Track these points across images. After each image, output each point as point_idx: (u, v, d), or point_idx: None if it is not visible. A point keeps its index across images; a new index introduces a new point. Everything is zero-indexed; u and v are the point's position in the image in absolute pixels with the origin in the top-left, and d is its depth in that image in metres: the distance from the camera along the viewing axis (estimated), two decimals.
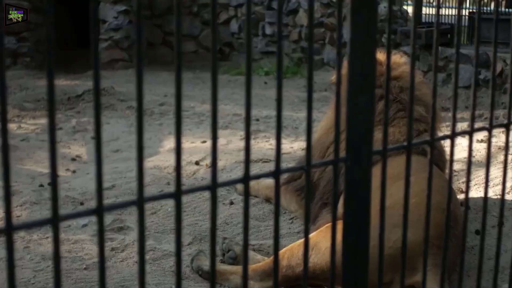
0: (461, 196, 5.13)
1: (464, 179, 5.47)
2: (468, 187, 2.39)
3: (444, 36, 9.91)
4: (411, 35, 2.04)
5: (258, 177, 1.90)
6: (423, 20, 10.64)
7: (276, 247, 1.83)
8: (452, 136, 2.27)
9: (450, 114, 7.97)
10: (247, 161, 1.73)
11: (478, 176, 5.48)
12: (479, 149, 6.24)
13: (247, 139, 1.74)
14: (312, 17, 1.83)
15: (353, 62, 1.88)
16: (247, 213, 1.75)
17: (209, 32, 13.39)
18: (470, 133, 2.31)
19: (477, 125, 2.38)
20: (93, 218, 4.84)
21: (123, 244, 4.38)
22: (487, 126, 2.36)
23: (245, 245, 1.76)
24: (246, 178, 1.74)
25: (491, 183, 5.26)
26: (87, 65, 12.41)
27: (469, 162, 2.33)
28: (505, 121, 2.45)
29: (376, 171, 4.30)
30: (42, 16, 12.79)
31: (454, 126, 2.28)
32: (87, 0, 12.96)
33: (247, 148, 1.74)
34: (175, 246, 1.61)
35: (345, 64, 1.93)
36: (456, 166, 5.79)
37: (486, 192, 2.45)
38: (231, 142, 7.09)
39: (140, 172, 1.50)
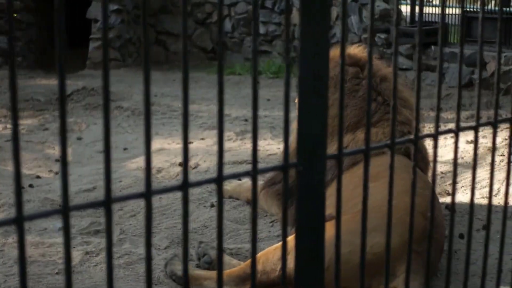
0: (447, 199, 5.03)
1: (450, 181, 5.37)
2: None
3: (436, 35, 9.80)
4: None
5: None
6: (416, 19, 10.52)
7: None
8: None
9: (442, 114, 7.83)
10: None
11: (465, 178, 5.39)
12: (468, 150, 6.15)
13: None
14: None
15: (303, 62, 1.78)
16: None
17: (202, 31, 13.33)
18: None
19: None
20: (71, 221, 4.77)
21: (98, 248, 4.27)
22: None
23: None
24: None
25: (478, 185, 5.17)
26: (79, 64, 12.32)
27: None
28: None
29: (357, 171, 4.17)
30: (33, 16, 12.69)
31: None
32: (80, 0, 12.92)
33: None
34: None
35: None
36: (444, 168, 5.69)
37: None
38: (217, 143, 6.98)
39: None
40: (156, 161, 6.17)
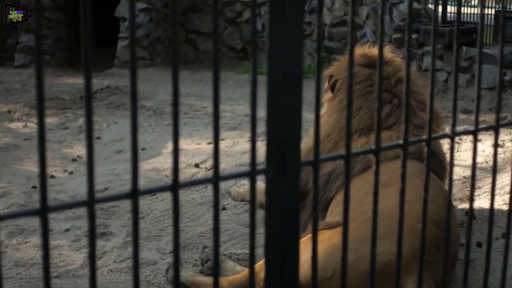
0: (468, 205, 4.83)
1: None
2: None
3: (469, 36, 9.54)
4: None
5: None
6: (448, 19, 10.27)
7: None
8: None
9: (471, 116, 7.62)
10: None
11: (489, 183, 5.16)
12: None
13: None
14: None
15: (273, 58, 1.63)
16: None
17: (232, 30, 13.20)
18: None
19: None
20: (76, 223, 4.67)
21: (101, 251, 4.16)
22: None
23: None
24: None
25: (501, 191, 4.95)
26: (108, 63, 12.28)
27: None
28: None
29: (368, 176, 4.00)
30: (62, 14, 12.69)
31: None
32: None
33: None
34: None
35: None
36: (467, 172, 5.47)
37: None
38: (237, 144, 6.84)
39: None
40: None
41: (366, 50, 4.50)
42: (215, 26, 1.51)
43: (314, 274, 1.76)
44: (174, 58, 1.47)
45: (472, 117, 8.22)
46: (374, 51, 4.52)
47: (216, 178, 1.57)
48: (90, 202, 1.36)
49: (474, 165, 2.07)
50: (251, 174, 1.62)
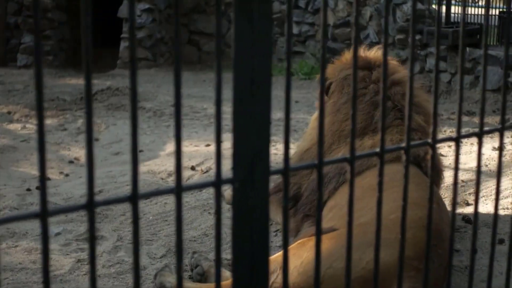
0: (466, 209, 4.75)
1: (471, 190, 5.08)
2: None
3: (473, 37, 9.45)
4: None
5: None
6: (452, 20, 10.17)
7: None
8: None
9: (474, 119, 7.52)
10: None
11: (487, 187, 5.08)
12: (494, 158, 5.83)
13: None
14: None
15: (239, 65, 1.56)
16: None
17: None
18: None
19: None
20: (68, 227, 4.61)
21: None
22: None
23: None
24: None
25: (500, 195, 4.86)
26: (111, 64, 12.24)
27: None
28: None
29: (362, 181, 3.94)
30: (65, 15, 12.65)
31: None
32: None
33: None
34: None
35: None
36: (465, 176, 5.40)
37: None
38: None
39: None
40: (169, 164, 6.00)
41: (361, 52, 4.44)
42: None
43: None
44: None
45: (475, 119, 8.14)
46: (369, 53, 4.46)
47: (178, 189, 1.51)
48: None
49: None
50: (216, 184, 1.56)
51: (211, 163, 6.07)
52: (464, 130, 6.66)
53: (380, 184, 1.86)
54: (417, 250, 3.26)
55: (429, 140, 1.93)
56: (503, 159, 5.79)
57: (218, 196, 1.58)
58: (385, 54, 1.81)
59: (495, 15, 9.92)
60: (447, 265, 3.59)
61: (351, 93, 4.32)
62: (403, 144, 1.90)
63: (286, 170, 1.66)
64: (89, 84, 1.28)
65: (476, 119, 8.13)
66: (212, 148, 6.72)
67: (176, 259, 1.50)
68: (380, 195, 1.89)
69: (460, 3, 10.05)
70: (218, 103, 1.54)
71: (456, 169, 2.00)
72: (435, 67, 1.86)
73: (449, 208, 4.84)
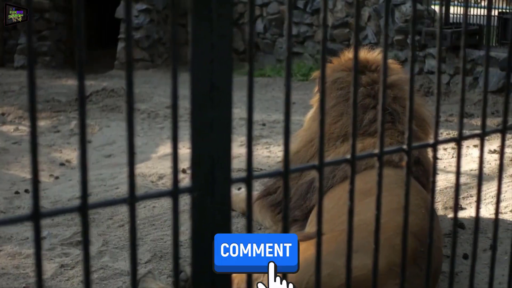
0: (459, 214, 4.66)
1: (465, 194, 5.00)
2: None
3: (472, 38, 9.36)
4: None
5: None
6: (451, 21, 10.08)
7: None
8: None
9: (472, 121, 7.43)
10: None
11: (482, 191, 4.98)
12: (489, 161, 5.74)
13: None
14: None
15: (197, 68, 1.48)
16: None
17: (234, 31, 13.05)
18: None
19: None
20: (53, 231, 4.53)
21: (75, 260, 4.03)
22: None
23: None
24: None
25: (494, 199, 4.77)
26: (109, 64, 12.17)
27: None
28: None
29: (346, 186, 3.88)
30: (63, 15, 12.58)
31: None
32: (109, 0, 12.77)
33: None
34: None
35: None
36: (460, 179, 5.30)
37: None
38: None
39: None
40: (160, 167, 5.92)
41: (359, 54, 4.36)
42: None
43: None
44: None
45: (473, 121, 8.04)
46: (367, 55, 4.38)
47: (132, 199, 1.43)
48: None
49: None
50: (173, 194, 1.49)
51: None
52: (461, 128, 6.54)
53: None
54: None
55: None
56: (499, 162, 5.70)
57: (176, 206, 1.50)
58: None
59: (494, 16, 9.82)
60: (435, 271, 3.52)
61: (340, 96, 4.25)
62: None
63: (249, 178, 1.58)
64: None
65: (475, 121, 8.04)
66: None
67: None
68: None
69: (460, 4, 9.97)
70: (175, 107, 1.47)
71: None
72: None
73: (443, 212, 4.76)
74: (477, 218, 2.08)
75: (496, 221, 2.16)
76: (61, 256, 4.12)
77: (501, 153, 2.07)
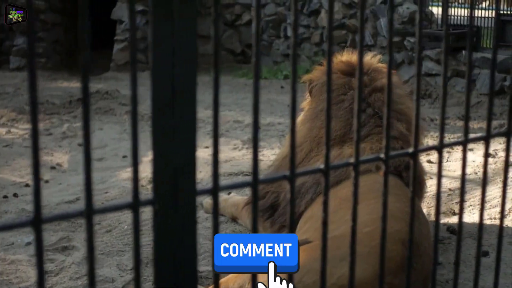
0: (452, 219, 4.59)
1: (458, 199, 4.91)
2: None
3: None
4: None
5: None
6: (449, 22, 9.99)
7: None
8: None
9: (469, 124, 7.38)
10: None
11: (475, 195, 4.91)
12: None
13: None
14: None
15: (158, 72, 1.40)
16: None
17: (231, 33, 12.99)
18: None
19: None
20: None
21: (59, 266, 3.95)
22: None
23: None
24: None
25: (487, 204, 4.69)
26: (104, 66, 12.09)
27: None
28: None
29: (340, 191, 3.78)
30: (59, 16, 12.51)
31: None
32: (105, 1, 12.68)
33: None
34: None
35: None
36: (453, 184, 5.23)
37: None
38: (221, 151, 6.61)
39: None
40: (150, 171, 5.83)
41: (349, 56, 4.29)
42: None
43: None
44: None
45: (470, 124, 7.95)
46: (355, 58, 4.30)
47: (89, 211, 1.35)
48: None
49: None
50: (133, 206, 1.40)
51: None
52: (456, 136, 6.44)
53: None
54: (391, 266, 3.11)
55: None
56: (494, 166, 5.62)
57: (136, 219, 1.42)
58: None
59: (491, 17, 9.75)
60: (424, 279, 3.44)
61: (332, 99, 4.17)
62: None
63: (216, 189, 1.50)
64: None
65: (472, 124, 7.95)
66: (197, 154, 6.55)
67: None
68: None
69: (459, 6, 9.89)
70: (134, 111, 1.39)
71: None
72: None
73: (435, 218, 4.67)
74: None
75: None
76: (45, 262, 4.04)
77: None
